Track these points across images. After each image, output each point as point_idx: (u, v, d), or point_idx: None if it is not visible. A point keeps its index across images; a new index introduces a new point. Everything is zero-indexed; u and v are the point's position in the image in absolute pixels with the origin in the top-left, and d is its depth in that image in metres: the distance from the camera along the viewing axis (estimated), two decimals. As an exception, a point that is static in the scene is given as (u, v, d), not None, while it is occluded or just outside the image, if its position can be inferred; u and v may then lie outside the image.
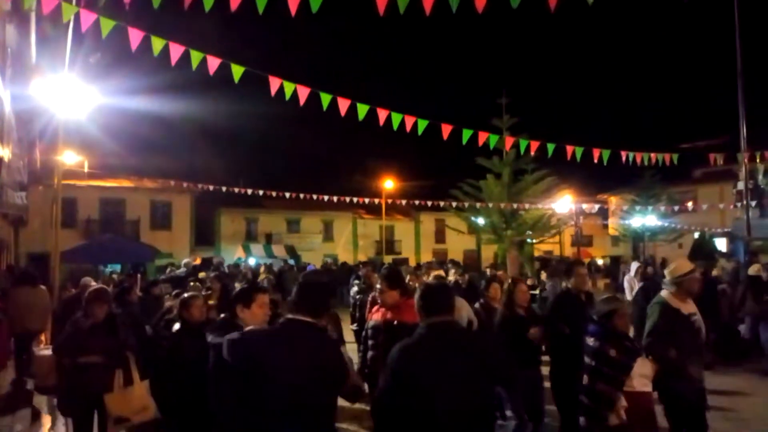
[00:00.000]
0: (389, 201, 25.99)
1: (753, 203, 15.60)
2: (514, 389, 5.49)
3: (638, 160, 11.00)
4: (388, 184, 32.13)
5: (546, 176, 22.79)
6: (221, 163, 34.48)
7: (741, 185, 13.37)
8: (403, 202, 22.75)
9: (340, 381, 2.71)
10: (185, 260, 13.26)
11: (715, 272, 12.82)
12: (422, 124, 8.08)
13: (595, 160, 10.69)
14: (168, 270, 12.45)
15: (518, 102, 37.09)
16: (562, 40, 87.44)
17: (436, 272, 7.41)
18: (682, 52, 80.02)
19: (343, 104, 7.15)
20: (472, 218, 25.43)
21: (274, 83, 6.70)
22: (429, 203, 21.68)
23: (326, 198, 19.40)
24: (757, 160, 15.33)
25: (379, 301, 4.60)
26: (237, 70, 6.49)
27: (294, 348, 2.66)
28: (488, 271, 16.99)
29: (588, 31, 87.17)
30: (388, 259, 32.36)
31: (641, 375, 3.82)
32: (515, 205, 22.02)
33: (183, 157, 29.67)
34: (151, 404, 4.54)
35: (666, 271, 4.63)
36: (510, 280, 5.53)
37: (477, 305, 5.80)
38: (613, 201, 37.74)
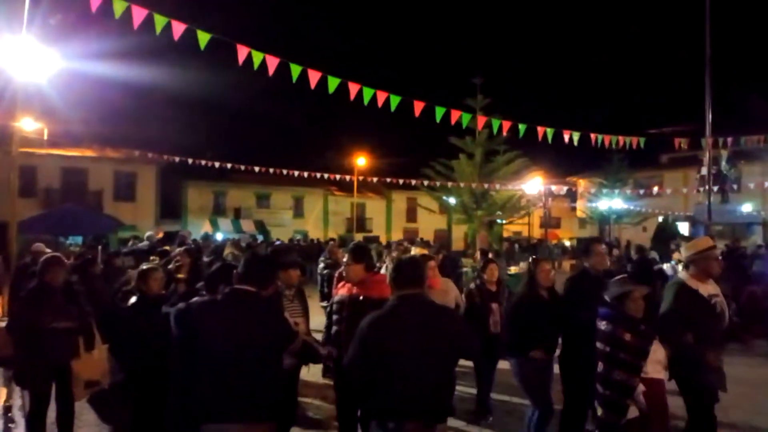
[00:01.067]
0: (361, 178, 25.86)
1: (715, 189, 16.03)
2: (485, 365, 5.49)
3: (607, 142, 11.17)
4: (361, 161, 31.95)
5: (517, 157, 22.99)
6: (189, 134, 33.59)
7: (704, 171, 13.68)
8: (375, 179, 22.67)
9: (282, 344, 2.84)
10: (148, 233, 12.94)
11: (676, 256, 13.19)
12: (395, 100, 8.00)
13: (566, 142, 10.82)
14: (130, 243, 12.15)
15: (493, 83, 37.13)
16: (537, 23, 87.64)
17: (419, 250, 7.36)
18: (655, 38, 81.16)
19: (314, 77, 7.01)
20: (444, 197, 25.57)
21: (242, 52, 6.51)
22: (401, 181, 21.65)
23: (297, 173, 19.18)
24: (720, 147, 15.71)
25: (344, 276, 4.58)
26: (203, 37, 6.28)
27: (234, 315, 2.80)
28: (477, 253, 17.18)
29: (562, 15, 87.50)
30: (359, 236, 32.34)
31: (655, 361, 3.64)
32: (486, 186, 22.21)
33: (149, 127, 28.78)
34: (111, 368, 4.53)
35: (682, 249, 4.39)
36: (531, 259, 5.09)
37: (473, 287, 5.61)
38: (582, 184, 38.40)
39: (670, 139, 13.63)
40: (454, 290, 5.45)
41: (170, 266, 5.33)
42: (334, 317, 4.27)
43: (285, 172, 18.85)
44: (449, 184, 23.24)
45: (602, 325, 3.67)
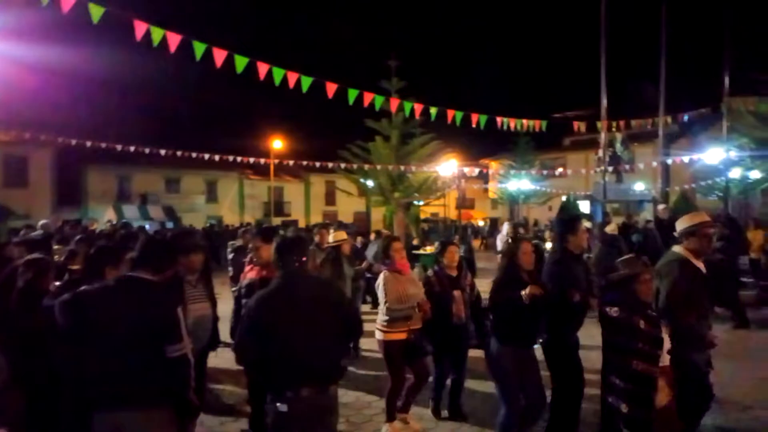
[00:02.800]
0: (277, 161, 25.34)
1: (610, 169, 17.30)
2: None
3: (512, 126, 11.71)
4: (277, 144, 31.28)
5: (432, 140, 23.46)
6: (90, 115, 31.26)
7: (601, 153, 14.75)
8: (292, 162, 22.32)
9: (165, 335, 2.73)
10: (42, 221, 11.98)
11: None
12: (306, 82, 7.90)
13: (474, 125, 11.20)
14: (22, 232, 11.19)
15: (409, 66, 37.55)
16: (452, 9, 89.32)
17: (340, 234, 7.06)
18: (558, 26, 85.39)
19: (219, 55, 6.75)
20: (362, 180, 25.66)
21: (140, 28, 6.14)
22: (318, 164, 21.45)
23: (208, 156, 18.41)
24: (614, 130, 16.92)
25: (254, 258, 4.52)
26: (96, 11, 5.85)
27: (124, 303, 2.72)
28: (382, 232, 17.39)
29: (475, 3, 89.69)
30: (277, 220, 31.80)
31: (665, 349, 3.41)
32: (402, 168, 22.52)
33: (43, 108, 26.43)
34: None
35: (678, 223, 4.11)
36: (510, 239, 4.77)
37: (430, 273, 5.06)
38: (493, 166, 40.01)
39: (570, 123, 14.50)
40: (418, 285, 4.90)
41: (59, 257, 4.99)
42: (243, 301, 4.21)
43: (195, 155, 18.04)
44: (366, 166, 23.34)
45: (613, 311, 3.37)
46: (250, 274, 4.27)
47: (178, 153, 17.70)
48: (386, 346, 4.60)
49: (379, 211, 32.41)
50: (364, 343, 6.96)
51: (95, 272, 3.39)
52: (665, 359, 3.38)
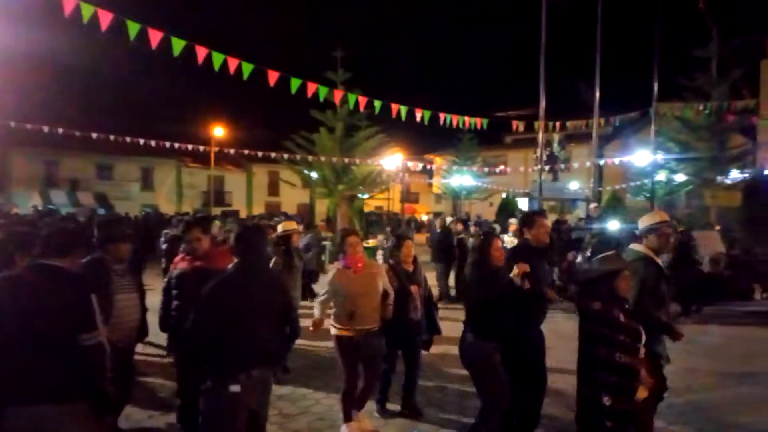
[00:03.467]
0: (217, 149, 24.67)
1: (547, 168, 17.96)
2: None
3: (455, 123, 11.91)
4: (219, 131, 30.42)
5: (377, 133, 23.50)
6: (14, 96, 29.28)
7: (539, 152, 15.28)
8: (233, 151, 21.79)
9: (78, 323, 2.64)
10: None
11: (512, 228, 14.60)
12: (247, 68, 7.71)
13: (418, 120, 11.32)
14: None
15: (357, 58, 37.39)
16: (400, 6, 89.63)
17: (290, 224, 6.73)
18: (505, 23, 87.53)
19: (155, 36, 6.47)
20: (306, 171, 25.38)
21: (68, 3, 5.80)
22: (260, 154, 21.05)
23: (142, 142, 17.64)
24: (551, 130, 17.54)
25: (189, 249, 4.36)
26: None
27: (32, 292, 2.62)
28: (320, 224, 17.28)
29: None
30: (216, 210, 30.98)
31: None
32: (347, 160, 22.46)
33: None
34: None
35: (640, 222, 4.20)
36: (481, 235, 4.66)
37: (386, 267, 4.80)
38: (438, 161, 40.58)
39: (510, 121, 14.92)
40: (383, 273, 4.59)
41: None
42: (174, 292, 4.09)
43: (129, 140, 17.26)
44: (310, 157, 23.11)
45: (596, 305, 3.44)
46: (181, 264, 4.12)
47: (111, 137, 16.89)
48: (335, 342, 4.41)
49: (323, 203, 32.23)
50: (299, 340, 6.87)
51: (5, 260, 3.19)
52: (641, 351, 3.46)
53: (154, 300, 4.32)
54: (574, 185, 29.40)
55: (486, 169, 29.22)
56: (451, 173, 35.14)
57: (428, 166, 32.16)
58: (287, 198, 37.83)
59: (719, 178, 19.49)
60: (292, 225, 6.69)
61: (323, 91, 9.56)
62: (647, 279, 3.77)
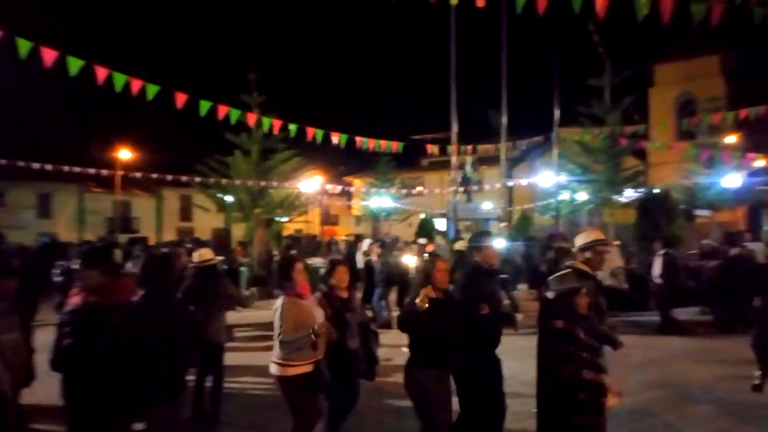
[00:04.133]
0: (122, 173, 23.35)
1: (461, 189, 18.58)
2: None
3: (371, 146, 12.07)
4: (125, 154, 28.84)
5: (294, 156, 23.30)
6: None
7: (453, 174, 15.81)
8: (140, 174, 20.71)
9: None
10: None
11: (430, 248, 14.93)
12: (152, 89, 7.39)
13: (334, 143, 11.37)
14: None
15: (271, 81, 37.06)
16: (315, 30, 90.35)
17: (206, 254, 6.21)
18: (418, 48, 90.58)
19: (49, 55, 6.05)
20: (219, 195, 24.58)
21: (-54, 15, 5.29)
22: (171, 177, 20.17)
23: (38, 166, 16.27)
24: (464, 153, 18.22)
25: (82, 284, 4.04)
26: None
27: None
28: (237, 249, 16.71)
29: (341, 21, 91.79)
30: (123, 237, 29.18)
31: None
32: (263, 183, 22.03)
33: None
34: None
35: (576, 239, 4.34)
36: (427, 257, 4.53)
37: (319, 295, 4.51)
38: (357, 183, 40.83)
39: (425, 145, 15.35)
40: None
41: None
42: (65, 329, 3.75)
43: (22, 164, 15.88)
44: (224, 181, 22.44)
45: (558, 323, 3.46)
46: (74, 299, 3.81)
47: (2, 162, 15.47)
48: (286, 383, 4.01)
49: (241, 228, 31.32)
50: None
51: None
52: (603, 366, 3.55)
53: (48, 337, 3.93)
54: (486, 205, 30.59)
55: (404, 191, 29.84)
56: (370, 195, 35.47)
57: (347, 189, 32.23)
58: (201, 223, 36.37)
59: (615, 197, 21.00)
60: (209, 254, 6.09)
61: (235, 114, 9.36)
62: (587, 293, 3.88)
